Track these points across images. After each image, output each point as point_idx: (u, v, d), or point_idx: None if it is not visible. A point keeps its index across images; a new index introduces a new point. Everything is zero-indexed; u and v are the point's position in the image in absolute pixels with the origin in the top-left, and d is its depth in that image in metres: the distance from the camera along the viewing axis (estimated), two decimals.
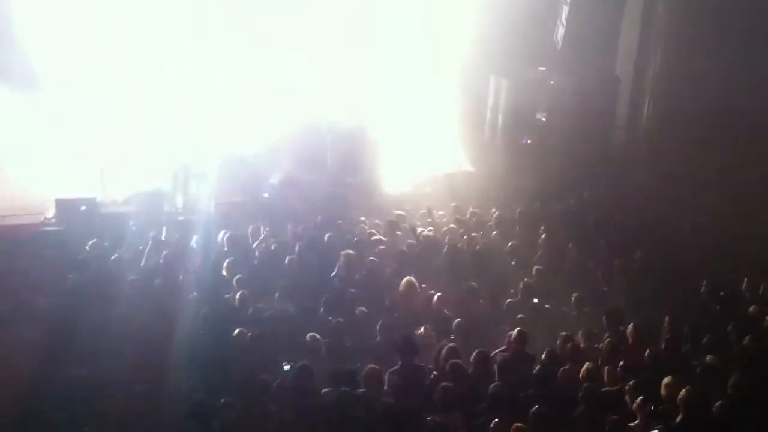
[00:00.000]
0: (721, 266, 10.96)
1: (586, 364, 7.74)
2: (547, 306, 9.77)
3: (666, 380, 7.13)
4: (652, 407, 6.90)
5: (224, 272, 10.42)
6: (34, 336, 8.56)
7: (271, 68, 16.72)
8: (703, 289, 10.11)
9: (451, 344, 8.22)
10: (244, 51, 16.49)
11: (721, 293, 9.93)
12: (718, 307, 9.68)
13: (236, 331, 8.44)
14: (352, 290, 9.96)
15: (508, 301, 9.79)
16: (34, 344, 8.43)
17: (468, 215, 13.30)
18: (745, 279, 10.22)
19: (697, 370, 7.67)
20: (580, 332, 8.74)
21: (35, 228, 13.03)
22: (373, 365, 7.56)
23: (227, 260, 10.55)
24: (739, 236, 12.15)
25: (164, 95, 16.39)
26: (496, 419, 6.73)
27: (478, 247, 11.67)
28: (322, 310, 9.32)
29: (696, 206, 13.50)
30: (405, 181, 15.94)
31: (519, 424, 6.56)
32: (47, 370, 7.93)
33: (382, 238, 11.78)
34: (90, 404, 7.39)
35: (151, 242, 11.05)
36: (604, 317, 8.94)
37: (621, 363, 7.72)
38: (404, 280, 9.76)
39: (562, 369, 7.80)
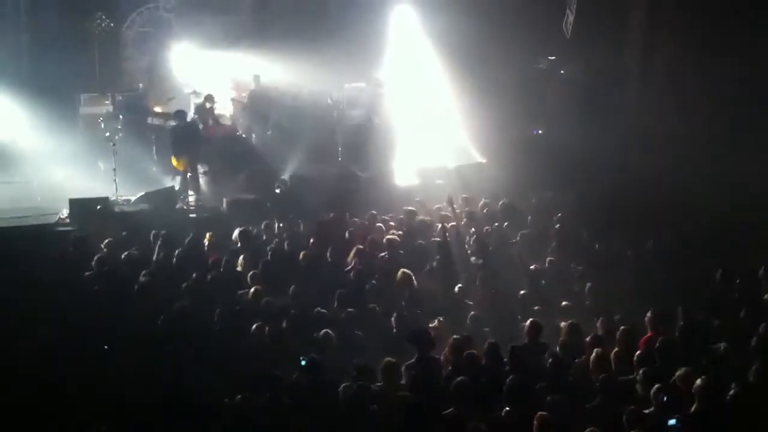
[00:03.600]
0: (736, 253, 10.90)
1: (596, 353, 7.73)
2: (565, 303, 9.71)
3: (682, 370, 7.11)
4: (667, 396, 6.90)
5: (239, 268, 10.47)
6: (47, 335, 8.64)
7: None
8: (718, 276, 10.06)
9: (465, 335, 8.25)
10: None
11: (737, 280, 9.88)
12: (733, 294, 9.63)
13: (254, 327, 8.48)
14: (372, 282, 9.97)
15: (522, 293, 9.76)
16: (46, 343, 8.50)
17: (479, 206, 13.30)
18: (762, 266, 10.15)
19: (712, 358, 7.65)
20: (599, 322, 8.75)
21: (50, 228, 13.12)
22: (390, 359, 7.57)
23: (242, 256, 10.59)
24: (753, 223, 12.07)
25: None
26: (508, 409, 6.75)
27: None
28: (336, 304, 9.35)
29: (709, 194, 13.43)
30: (416, 173, 15.90)
31: (542, 413, 6.58)
32: (59, 369, 7.98)
33: (396, 234, 11.78)
34: (101, 404, 7.43)
35: (160, 241, 11.09)
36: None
37: (637, 352, 7.71)
38: (399, 272, 9.82)
39: (576, 359, 7.83)
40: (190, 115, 15.42)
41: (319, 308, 9.15)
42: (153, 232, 11.41)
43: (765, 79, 14.11)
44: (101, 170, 15.11)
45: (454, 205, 12.94)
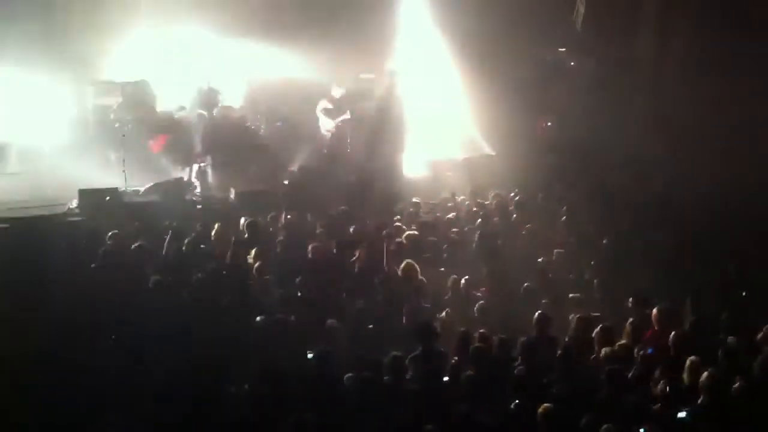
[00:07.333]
0: (748, 248, 10.84)
1: (604, 345, 7.70)
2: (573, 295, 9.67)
3: (690, 362, 7.09)
4: (676, 389, 6.87)
5: (249, 260, 10.47)
6: (55, 327, 8.67)
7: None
8: (730, 269, 10.00)
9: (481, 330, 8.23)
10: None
11: (748, 274, 9.82)
12: (743, 290, 9.58)
13: (261, 318, 8.47)
14: (380, 275, 9.95)
15: (525, 285, 9.72)
16: (54, 334, 8.54)
17: (490, 199, 13.26)
18: None
19: (721, 352, 7.61)
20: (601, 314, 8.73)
21: (59, 218, 13.16)
22: (396, 352, 7.56)
23: (251, 247, 10.59)
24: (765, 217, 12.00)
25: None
26: (518, 401, 6.74)
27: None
28: (344, 295, 9.34)
29: (721, 188, 13.35)
30: (426, 166, 15.87)
31: (547, 405, 6.56)
32: (68, 358, 8.00)
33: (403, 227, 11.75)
34: (111, 393, 7.45)
35: (171, 233, 11.09)
36: (630, 300, 8.86)
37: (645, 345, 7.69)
38: (404, 263, 9.77)
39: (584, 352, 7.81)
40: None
41: (326, 300, 9.16)
42: (165, 223, 11.40)
43: None
44: (111, 161, 15.14)
45: (458, 198, 12.90)
